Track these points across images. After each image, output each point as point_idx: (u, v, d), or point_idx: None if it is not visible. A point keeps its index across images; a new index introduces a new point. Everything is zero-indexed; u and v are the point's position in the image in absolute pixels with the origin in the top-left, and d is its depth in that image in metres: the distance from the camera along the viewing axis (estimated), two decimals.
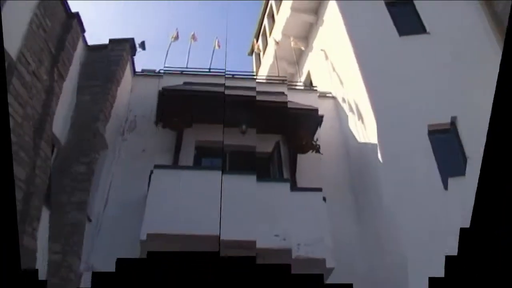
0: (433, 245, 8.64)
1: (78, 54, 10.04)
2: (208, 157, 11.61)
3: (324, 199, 9.68)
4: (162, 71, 12.56)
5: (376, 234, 10.36)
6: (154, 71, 12.98)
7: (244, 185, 9.30)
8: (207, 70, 13.05)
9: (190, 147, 11.19)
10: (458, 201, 9.15)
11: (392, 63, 11.37)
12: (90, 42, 10.88)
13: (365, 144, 11.08)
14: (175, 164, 10.60)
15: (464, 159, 9.98)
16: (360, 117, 11.46)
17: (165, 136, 11.13)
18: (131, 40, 11.61)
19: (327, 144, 11.84)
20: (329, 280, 8.64)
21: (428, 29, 12.19)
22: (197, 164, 11.17)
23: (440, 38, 11.75)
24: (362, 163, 11.33)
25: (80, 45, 10.12)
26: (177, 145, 10.99)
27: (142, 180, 9.46)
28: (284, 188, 9.77)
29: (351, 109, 12.08)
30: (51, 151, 8.77)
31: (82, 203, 8.49)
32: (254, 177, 9.55)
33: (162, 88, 10.85)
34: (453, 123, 10.53)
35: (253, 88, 11.46)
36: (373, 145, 10.51)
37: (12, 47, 7.08)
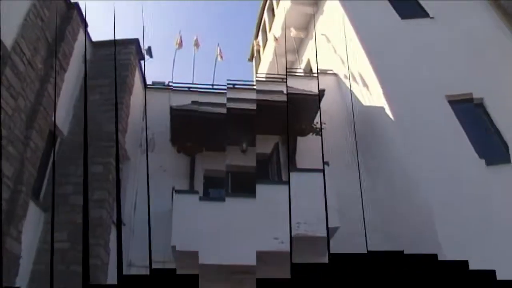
0: (451, 197, 8.71)
1: (80, 46, 9.79)
2: (215, 188, 12.12)
3: (328, 163, 9.62)
4: (171, 84, 13.11)
5: (388, 190, 10.52)
6: (163, 83, 13.29)
7: (245, 206, 9.76)
8: (211, 86, 13.67)
9: (200, 175, 11.65)
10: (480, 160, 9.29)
11: (396, 40, 11.41)
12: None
13: (372, 107, 11.16)
14: (192, 189, 11.12)
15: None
16: (365, 84, 11.49)
17: (180, 159, 11.62)
18: (137, 42, 11.31)
19: (329, 116, 11.74)
20: (334, 239, 8.94)
21: (431, 15, 12.22)
22: (206, 194, 11.63)
23: (444, 21, 11.82)
24: (369, 124, 11.32)
25: (82, 38, 9.86)
26: (191, 170, 11.49)
27: (165, 197, 10.02)
28: (281, 190, 9.51)
29: (354, 80, 12.12)
30: (54, 141, 8.60)
31: (102, 201, 8.38)
32: (254, 200, 9.76)
33: (171, 108, 11.09)
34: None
35: (253, 100, 11.69)
36: (380, 108, 10.55)
37: (8, 37, 6.83)
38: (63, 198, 8.03)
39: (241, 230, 9.29)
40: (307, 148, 11.43)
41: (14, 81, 6.79)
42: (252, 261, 8.77)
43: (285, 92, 11.99)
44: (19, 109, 6.91)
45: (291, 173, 10.22)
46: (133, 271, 9.47)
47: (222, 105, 11.57)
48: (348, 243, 9.00)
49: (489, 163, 9.30)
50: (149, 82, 12.90)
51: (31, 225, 7.34)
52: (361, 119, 11.56)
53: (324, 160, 9.37)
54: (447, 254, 7.99)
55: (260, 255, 8.75)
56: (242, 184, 11.69)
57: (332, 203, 9.26)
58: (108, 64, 10.08)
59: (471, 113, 10.27)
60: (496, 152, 9.69)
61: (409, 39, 11.34)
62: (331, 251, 8.22)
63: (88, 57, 10.10)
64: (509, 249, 8.21)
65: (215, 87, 13.63)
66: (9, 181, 6.46)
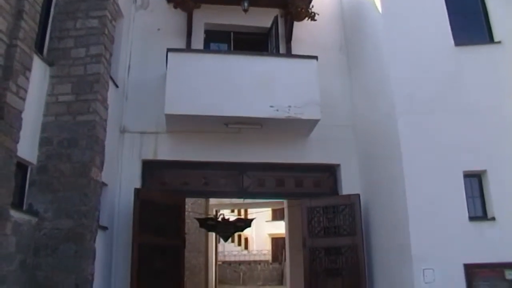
0: (429, 101, 8.93)
1: None
2: (215, 42, 12.13)
3: (316, 58, 10.13)
4: None
5: (367, 88, 10.61)
6: None
7: (246, 64, 9.98)
8: None
9: (200, 31, 11.46)
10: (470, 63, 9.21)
11: None
12: None
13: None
14: (188, 47, 10.99)
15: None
16: None
17: (177, 16, 11.31)
18: None
19: (323, 5, 11.83)
20: (316, 129, 10.24)
21: None
22: (206, 49, 11.58)
23: None
24: (358, 19, 11.15)
25: None
26: (188, 27, 11.20)
27: (159, 58, 10.20)
28: (279, 62, 10.36)
29: None
30: None
31: (98, 56, 8.30)
32: (255, 57, 10.26)
33: None
34: None
35: None
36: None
37: None
38: (64, 52, 8.24)
39: (239, 89, 9.65)
40: (301, 34, 11.52)
41: None
42: (249, 113, 9.48)
43: None
44: None
45: (284, 59, 10.59)
46: (127, 137, 10.14)
47: None
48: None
49: (459, 44, 9.26)
50: None
51: (38, 79, 7.62)
52: (353, 13, 11.58)
53: (313, 54, 10.00)
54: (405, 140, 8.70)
55: (257, 120, 9.66)
56: (244, 44, 11.81)
57: (316, 96, 9.76)
58: None
59: None
60: (474, 33, 9.60)
61: None
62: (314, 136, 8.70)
63: None
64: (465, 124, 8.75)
65: None
66: (4, 36, 6.46)
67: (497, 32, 9.36)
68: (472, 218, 8.32)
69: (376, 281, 9.65)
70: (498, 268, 8.07)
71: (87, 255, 7.52)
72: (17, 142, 6.53)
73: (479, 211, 8.55)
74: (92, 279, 7.74)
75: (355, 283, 9.61)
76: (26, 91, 6.81)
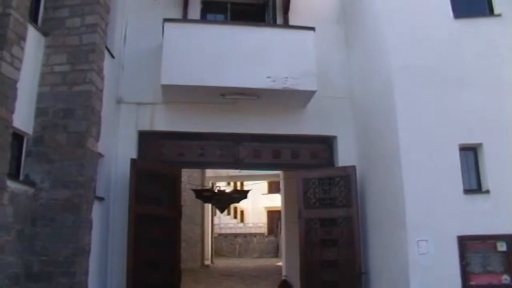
0: (426, 73, 8.86)
1: None
2: (212, 12, 11.92)
3: (313, 29, 10.06)
4: None
5: (364, 60, 10.52)
6: None
7: (243, 35, 9.89)
8: None
9: (196, 1, 11.29)
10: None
11: None
12: None
13: None
14: (185, 18, 10.87)
15: None
16: None
17: None
18: None
19: None
20: (313, 100, 10.24)
21: None
22: (203, 19, 11.43)
23: None
24: None
25: None
26: None
27: (156, 28, 10.00)
28: (276, 33, 10.29)
29: None
30: None
31: (94, 25, 8.22)
32: (251, 28, 10.13)
33: None
34: None
35: None
36: None
37: None
38: (59, 22, 8.15)
39: (236, 59, 9.59)
40: (299, 6, 11.40)
41: None
42: (245, 84, 9.49)
43: None
44: None
45: (281, 30, 10.55)
46: (123, 108, 10.09)
47: None
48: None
49: (458, 16, 9.13)
50: None
51: (32, 49, 7.55)
52: None
53: (311, 26, 9.94)
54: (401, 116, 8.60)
55: (253, 91, 9.66)
56: (241, 15, 11.67)
57: (313, 67, 9.72)
58: None
59: None
60: (473, 5, 9.50)
61: None
62: (310, 108, 8.68)
63: None
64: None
65: None
66: None
67: (497, 5, 9.24)
68: (467, 191, 8.36)
69: (370, 252, 9.76)
70: (490, 240, 8.16)
71: (84, 225, 7.58)
72: (13, 113, 6.50)
73: (474, 184, 8.59)
74: (89, 249, 7.81)
75: (350, 254, 9.71)
76: (21, 61, 6.74)
